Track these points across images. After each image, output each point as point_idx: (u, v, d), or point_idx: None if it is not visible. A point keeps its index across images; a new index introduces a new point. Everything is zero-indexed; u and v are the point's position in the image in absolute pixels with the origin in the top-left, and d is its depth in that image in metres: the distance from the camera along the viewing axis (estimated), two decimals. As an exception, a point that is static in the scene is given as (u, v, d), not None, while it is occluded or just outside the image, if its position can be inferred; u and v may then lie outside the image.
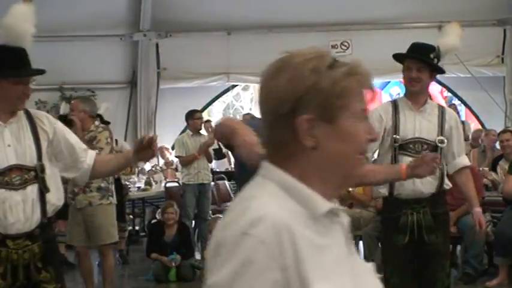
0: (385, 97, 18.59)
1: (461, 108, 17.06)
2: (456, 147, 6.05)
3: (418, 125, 5.85)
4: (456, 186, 6.12)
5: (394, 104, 5.94)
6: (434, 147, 5.84)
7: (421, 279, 5.86)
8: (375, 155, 5.98)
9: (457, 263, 10.56)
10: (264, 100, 1.81)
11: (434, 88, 18.14)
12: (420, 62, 5.83)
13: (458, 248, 10.65)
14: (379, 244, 8.87)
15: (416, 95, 5.93)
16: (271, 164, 1.78)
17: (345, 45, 15.13)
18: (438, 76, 15.60)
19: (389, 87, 18.39)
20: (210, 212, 12.48)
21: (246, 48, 15.91)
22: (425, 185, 5.77)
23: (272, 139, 1.80)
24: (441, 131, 5.92)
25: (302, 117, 1.73)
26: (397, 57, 6.01)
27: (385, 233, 6.10)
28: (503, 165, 10.72)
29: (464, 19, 14.99)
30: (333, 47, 15.44)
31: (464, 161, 6.13)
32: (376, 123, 5.69)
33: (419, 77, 5.84)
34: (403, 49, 15.03)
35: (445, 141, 5.89)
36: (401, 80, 17.73)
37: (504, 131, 11.52)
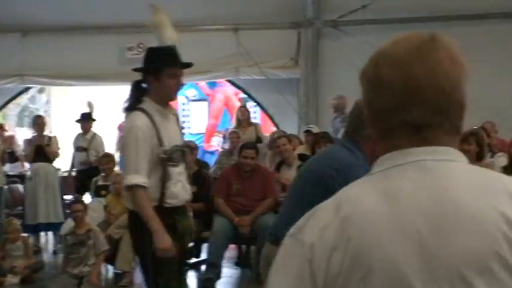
0: (181, 99, 18.57)
1: (256, 110, 17.33)
2: None
3: (172, 133, 5.76)
4: None
5: (148, 115, 5.63)
6: (183, 154, 5.85)
7: None
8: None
9: (250, 263, 10.71)
10: None
11: (229, 90, 18.37)
12: (179, 67, 5.79)
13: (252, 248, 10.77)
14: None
15: (171, 101, 5.90)
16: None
17: (141, 48, 14.93)
18: (234, 78, 16.03)
19: (185, 89, 18.40)
20: (3, 215, 12.01)
21: (41, 50, 15.40)
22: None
23: None
24: (182, 134, 6.03)
25: None
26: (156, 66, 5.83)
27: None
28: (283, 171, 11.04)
29: (260, 22, 15.38)
30: (129, 49, 15.25)
31: None
32: (144, 144, 5.55)
33: (181, 82, 5.85)
34: (200, 52, 15.09)
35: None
36: (197, 82, 17.82)
37: (279, 137, 11.79)
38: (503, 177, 1.78)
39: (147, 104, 5.66)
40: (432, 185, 1.71)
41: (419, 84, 1.75)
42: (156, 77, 5.65)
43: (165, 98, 5.75)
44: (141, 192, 5.49)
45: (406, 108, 1.76)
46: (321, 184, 4.05)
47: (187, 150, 6.13)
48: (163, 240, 5.45)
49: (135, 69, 5.86)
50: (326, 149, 5.97)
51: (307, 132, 12.86)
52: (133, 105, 5.69)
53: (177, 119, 6.05)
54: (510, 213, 1.66)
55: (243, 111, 14.84)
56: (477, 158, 8.95)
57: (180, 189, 5.73)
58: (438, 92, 1.75)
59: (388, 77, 1.77)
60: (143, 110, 5.61)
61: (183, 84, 5.94)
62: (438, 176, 1.72)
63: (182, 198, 5.76)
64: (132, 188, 5.50)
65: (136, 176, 5.49)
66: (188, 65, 5.84)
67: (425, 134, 1.77)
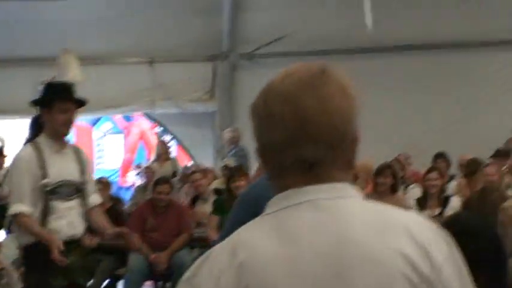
0: (96, 134, 18.32)
1: (173, 144, 17.20)
2: (92, 187, 6.15)
3: (64, 168, 5.75)
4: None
5: (36, 147, 5.71)
6: (79, 189, 5.85)
7: None
8: None
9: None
10: None
11: (145, 124, 18.20)
12: (72, 102, 5.89)
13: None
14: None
15: (63, 136, 5.88)
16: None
17: (54, 81, 14.71)
18: (150, 112, 15.91)
19: (100, 124, 18.16)
20: None
21: None
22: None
23: None
24: (83, 171, 5.97)
25: None
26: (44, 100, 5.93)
27: None
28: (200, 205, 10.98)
29: (175, 55, 15.32)
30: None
31: (96, 199, 6.19)
32: (26, 174, 5.51)
33: (73, 118, 5.96)
34: (115, 85, 14.98)
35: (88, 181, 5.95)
36: (114, 116, 17.62)
37: (193, 172, 11.77)
38: (401, 214, 1.75)
39: (41, 138, 5.74)
40: (329, 225, 1.68)
41: (310, 120, 1.71)
42: (49, 111, 5.75)
43: (57, 133, 5.80)
44: (25, 219, 5.51)
45: (298, 145, 1.72)
46: (257, 208, 4.06)
47: (84, 187, 6.02)
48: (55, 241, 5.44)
49: (31, 103, 6.02)
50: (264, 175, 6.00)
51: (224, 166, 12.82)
52: (29, 140, 5.78)
53: (79, 156, 6.05)
54: (409, 252, 1.65)
55: (161, 145, 14.76)
56: (391, 191, 9.04)
57: (64, 224, 5.70)
58: (330, 128, 1.72)
59: (280, 113, 1.73)
60: (34, 143, 5.69)
61: (72, 121, 5.96)
62: (334, 215, 1.69)
63: (64, 234, 5.69)
64: (17, 216, 5.50)
65: (20, 205, 5.50)
66: (82, 102, 6.02)
67: (318, 170, 1.73)
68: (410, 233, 1.68)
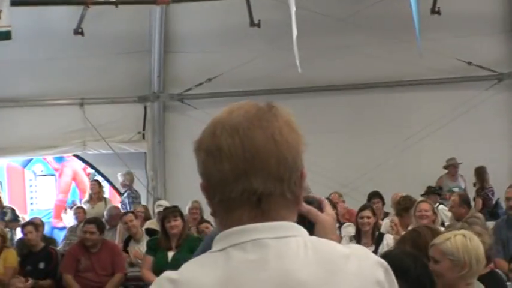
0: (28, 174, 18.15)
1: (105, 185, 17.13)
2: None
3: None
4: None
5: None
6: None
7: None
8: None
9: None
10: None
11: (77, 164, 18.11)
12: None
13: None
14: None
15: None
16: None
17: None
18: (80, 153, 15.85)
19: (32, 165, 18.01)
20: None
21: None
22: None
23: None
24: None
25: None
26: None
27: None
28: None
29: (106, 96, 15.37)
30: None
31: None
32: None
33: None
34: (46, 126, 14.93)
35: None
36: (45, 157, 17.51)
37: (126, 213, 11.85)
38: (347, 251, 1.77)
39: None
40: (273, 266, 1.67)
41: (259, 152, 1.72)
42: None
43: None
44: None
45: (247, 177, 1.72)
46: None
47: None
48: None
49: None
50: None
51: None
52: None
53: None
54: None
55: (94, 185, 14.74)
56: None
57: None
58: (279, 160, 1.73)
59: (228, 146, 1.74)
60: None
61: None
62: (279, 255, 1.69)
63: None
64: None
65: None
66: None
67: (266, 205, 1.74)
68: (356, 271, 1.70)
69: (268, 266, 1.67)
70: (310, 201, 2.11)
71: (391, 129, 14.86)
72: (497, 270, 7.03)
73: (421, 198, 10.75)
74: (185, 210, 11.52)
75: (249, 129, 1.75)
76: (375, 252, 8.69)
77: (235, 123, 1.76)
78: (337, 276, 1.68)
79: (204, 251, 4.63)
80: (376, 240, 9.28)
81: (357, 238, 9.36)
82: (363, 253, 1.78)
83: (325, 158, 13.91)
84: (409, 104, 15.08)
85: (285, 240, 1.71)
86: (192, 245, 8.70)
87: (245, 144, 1.73)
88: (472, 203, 13.14)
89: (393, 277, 1.80)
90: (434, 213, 9.08)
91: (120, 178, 14.40)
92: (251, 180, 1.72)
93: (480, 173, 13.51)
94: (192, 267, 1.75)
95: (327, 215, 2.12)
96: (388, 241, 9.17)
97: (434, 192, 12.17)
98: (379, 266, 1.77)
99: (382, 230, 9.91)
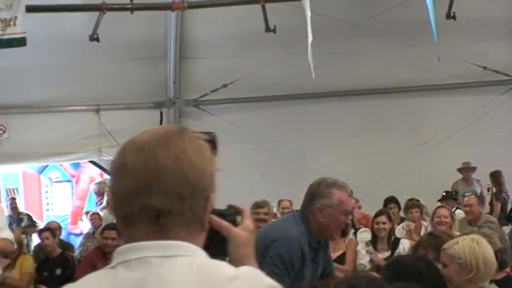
0: (44, 180, 18.20)
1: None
2: None
3: None
4: None
5: None
6: None
7: None
8: None
9: None
10: None
11: (93, 171, 18.15)
12: None
13: None
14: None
15: None
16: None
17: (1, 129, 14.68)
18: (96, 159, 15.87)
19: (47, 171, 18.06)
20: None
21: None
22: None
23: None
24: None
25: None
26: None
27: None
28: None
29: (121, 102, 15.42)
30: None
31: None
32: None
33: None
34: (62, 133, 14.91)
35: None
36: (61, 163, 17.53)
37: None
38: (231, 273, 1.77)
39: None
40: (152, 286, 1.71)
41: (161, 170, 1.77)
42: None
43: None
44: None
45: (147, 193, 1.77)
46: (260, 249, 4.57)
47: None
48: None
49: None
50: (284, 216, 6.15)
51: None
52: None
53: None
54: None
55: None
56: (342, 234, 9.11)
57: None
58: (180, 179, 1.77)
59: (132, 163, 1.79)
60: None
61: None
62: (159, 275, 1.72)
63: None
64: None
65: None
66: None
67: (164, 223, 1.78)
68: None
69: (147, 285, 1.71)
70: (226, 214, 2.10)
71: (406, 134, 14.85)
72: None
73: (438, 204, 10.76)
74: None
75: (154, 148, 1.81)
76: (391, 257, 8.68)
77: (142, 142, 1.82)
78: None
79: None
80: (392, 245, 9.29)
81: (373, 243, 9.36)
82: (252, 276, 1.78)
83: (340, 163, 13.92)
84: (424, 109, 15.08)
85: (170, 260, 1.75)
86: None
87: (148, 161, 1.79)
88: (487, 207, 13.22)
89: None
90: (452, 218, 9.07)
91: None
92: (151, 196, 1.77)
93: (496, 177, 13.48)
94: (84, 282, 1.83)
95: (243, 229, 2.11)
96: (404, 246, 9.16)
97: (451, 198, 12.12)
98: None
99: (397, 234, 9.89)
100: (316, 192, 4.97)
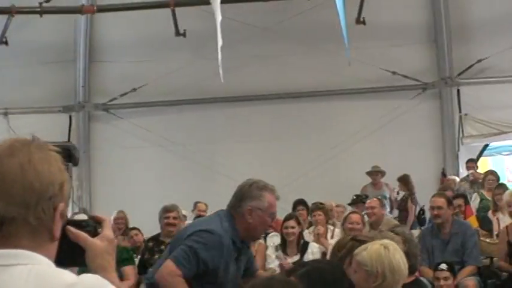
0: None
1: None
2: None
3: None
4: None
5: None
6: None
7: None
8: None
9: None
10: None
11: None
12: None
13: None
14: None
15: None
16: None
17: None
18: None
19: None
20: None
21: None
22: None
23: None
24: None
25: None
26: None
27: None
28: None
29: (31, 106, 15.11)
30: None
31: None
32: None
33: None
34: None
35: None
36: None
37: None
38: (70, 281, 1.75)
39: None
40: None
41: (6, 178, 1.78)
42: None
43: None
44: None
45: None
46: (180, 240, 4.87)
47: None
48: None
49: None
50: (210, 215, 6.14)
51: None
52: None
53: None
54: None
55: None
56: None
57: None
58: (25, 187, 1.78)
59: None
60: None
61: None
62: None
63: None
64: None
65: None
66: None
67: (7, 229, 1.77)
68: None
69: None
70: (83, 225, 2.09)
71: (317, 138, 14.97)
72: (422, 278, 7.05)
73: (349, 208, 10.77)
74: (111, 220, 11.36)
75: (0, 157, 1.82)
76: (300, 260, 8.65)
77: None
78: None
79: (170, 251, 4.72)
80: (301, 249, 9.26)
81: (283, 247, 9.33)
82: (92, 283, 1.78)
83: (251, 167, 13.91)
84: (334, 113, 15.21)
85: (9, 269, 1.73)
86: (116, 255, 8.54)
87: None
88: (396, 212, 13.37)
89: None
90: (363, 222, 9.11)
91: None
92: None
93: (406, 181, 13.55)
94: None
95: (101, 239, 2.10)
96: (313, 250, 9.20)
97: (361, 201, 12.11)
98: None
99: (306, 238, 9.89)
100: (248, 194, 5.01)
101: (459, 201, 10.78)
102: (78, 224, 2.07)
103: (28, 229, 1.78)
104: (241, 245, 5.08)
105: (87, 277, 1.79)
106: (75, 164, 9.75)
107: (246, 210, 4.95)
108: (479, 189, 12.45)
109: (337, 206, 12.03)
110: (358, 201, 12.08)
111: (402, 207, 13.30)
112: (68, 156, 6.26)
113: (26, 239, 1.78)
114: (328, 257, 9.14)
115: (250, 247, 5.59)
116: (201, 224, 5.24)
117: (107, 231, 2.13)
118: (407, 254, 4.36)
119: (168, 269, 4.72)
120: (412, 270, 4.69)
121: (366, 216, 9.87)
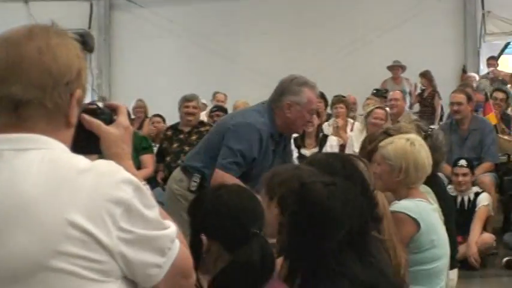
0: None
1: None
2: None
3: None
4: None
5: None
6: None
7: None
8: None
9: None
10: None
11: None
12: None
13: None
14: None
15: None
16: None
17: None
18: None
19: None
20: None
21: None
22: None
23: None
24: None
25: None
26: None
27: None
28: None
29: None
30: None
31: None
32: None
33: None
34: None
35: None
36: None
37: None
38: (83, 167, 1.76)
39: None
40: (2, 178, 1.72)
41: (23, 61, 1.77)
42: None
43: None
44: None
45: (7, 83, 1.77)
46: (219, 132, 5.12)
47: None
48: None
49: None
50: (251, 106, 6.23)
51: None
52: None
53: None
54: (73, 215, 1.68)
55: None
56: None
57: None
58: (42, 71, 1.77)
59: None
60: None
61: None
62: (11, 167, 1.73)
63: None
64: None
65: None
66: None
67: (22, 113, 1.78)
68: (88, 187, 1.71)
69: None
70: (98, 112, 2.06)
71: (337, 31, 14.85)
72: (439, 173, 7.16)
73: (373, 103, 10.66)
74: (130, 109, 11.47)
75: (18, 40, 1.81)
76: (319, 153, 8.69)
77: (8, 35, 1.84)
78: (63, 190, 1.69)
79: (209, 139, 5.35)
80: (320, 141, 9.28)
81: (301, 139, 9.27)
82: (106, 170, 1.78)
83: (272, 58, 13.90)
84: (357, 5, 15.05)
85: (21, 153, 1.75)
86: (135, 144, 8.65)
87: (10, 53, 1.79)
88: (416, 107, 13.42)
89: (147, 195, 1.81)
90: (387, 118, 9.05)
91: None
92: (11, 87, 1.77)
93: (428, 77, 13.51)
94: None
95: (115, 126, 2.06)
96: (332, 143, 9.24)
97: (381, 95, 12.03)
98: (124, 184, 1.76)
99: (325, 131, 9.93)
100: (288, 89, 5.12)
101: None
102: (93, 112, 2.04)
103: (44, 112, 1.79)
104: (279, 138, 5.23)
105: (100, 163, 1.79)
106: (90, 50, 9.73)
107: (285, 104, 5.07)
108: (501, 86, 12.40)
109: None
110: (378, 95, 12.05)
111: (428, 103, 13.31)
112: (82, 42, 6.14)
113: (41, 122, 1.79)
114: (346, 149, 9.25)
115: (289, 142, 5.78)
116: (242, 115, 5.37)
117: (122, 118, 2.09)
118: (432, 149, 4.34)
119: (220, 177, 4.86)
120: (435, 166, 4.64)
121: (387, 108, 9.82)
